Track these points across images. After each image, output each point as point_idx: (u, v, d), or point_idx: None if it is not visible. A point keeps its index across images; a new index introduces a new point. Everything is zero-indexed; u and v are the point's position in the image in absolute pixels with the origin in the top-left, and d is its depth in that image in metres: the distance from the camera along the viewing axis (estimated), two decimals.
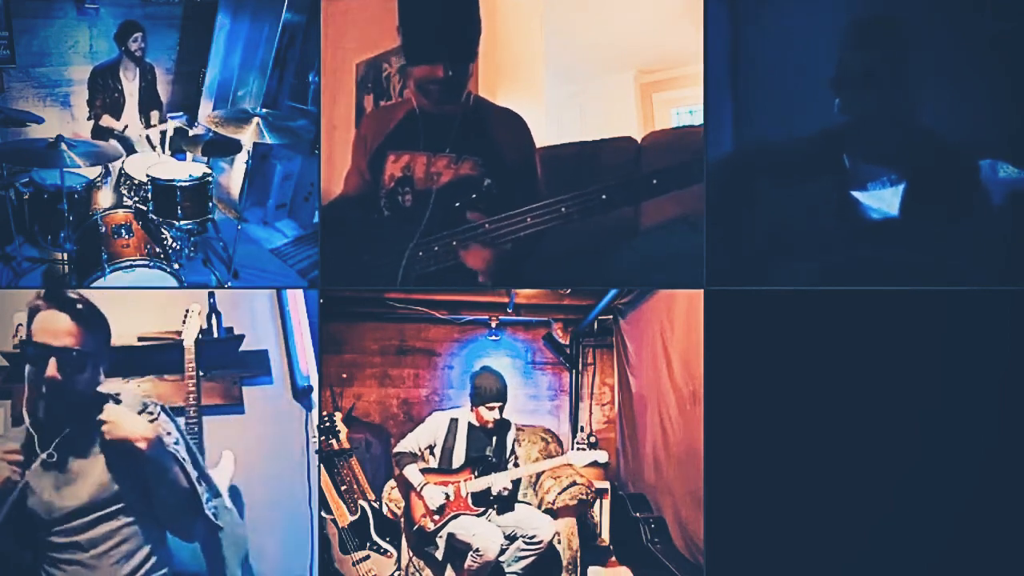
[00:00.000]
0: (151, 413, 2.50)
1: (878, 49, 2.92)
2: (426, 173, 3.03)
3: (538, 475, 3.69)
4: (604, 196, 2.82)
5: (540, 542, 3.29)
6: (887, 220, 2.94)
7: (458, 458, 3.45)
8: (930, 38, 2.95)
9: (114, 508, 2.40)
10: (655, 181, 2.83)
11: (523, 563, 3.31)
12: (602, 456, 3.42)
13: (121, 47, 3.79)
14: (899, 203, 2.93)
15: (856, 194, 2.96)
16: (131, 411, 2.44)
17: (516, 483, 3.44)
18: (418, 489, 3.38)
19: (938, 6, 3.00)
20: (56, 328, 2.38)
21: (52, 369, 2.36)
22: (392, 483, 3.61)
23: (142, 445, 2.37)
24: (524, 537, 3.31)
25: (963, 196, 2.95)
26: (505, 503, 3.40)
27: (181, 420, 2.77)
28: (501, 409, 3.46)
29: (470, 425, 3.48)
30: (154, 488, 2.42)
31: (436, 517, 3.35)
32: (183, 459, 2.47)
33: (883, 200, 2.95)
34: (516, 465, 3.52)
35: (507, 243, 2.92)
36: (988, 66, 2.99)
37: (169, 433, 2.48)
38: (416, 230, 3.00)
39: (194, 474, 2.47)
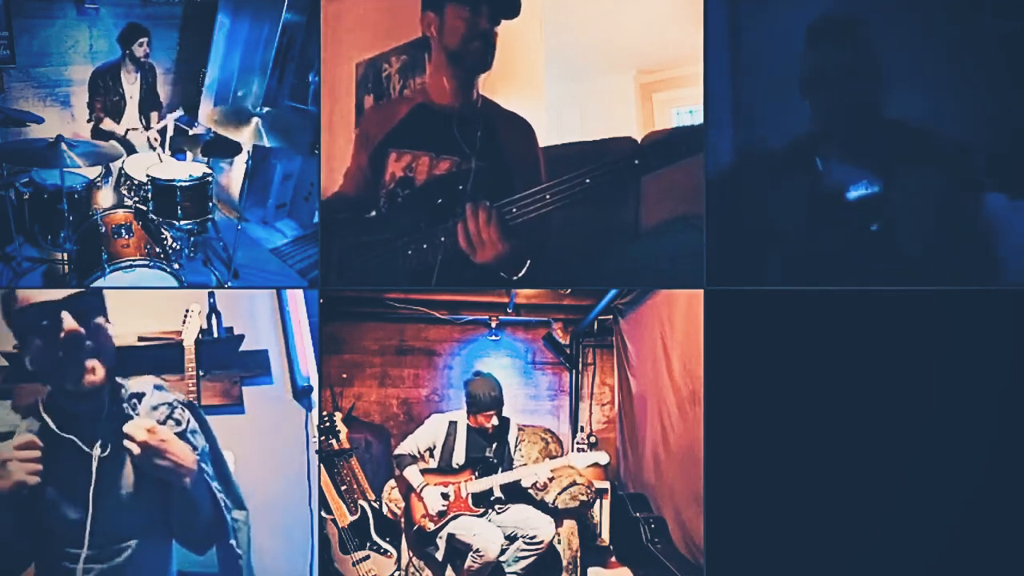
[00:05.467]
0: (179, 421, 2.33)
1: (835, 50, 2.93)
2: (428, 175, 3.03)
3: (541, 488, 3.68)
4: (588, 180, 2.83)
5: (540, 542, 3.29)
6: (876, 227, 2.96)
7: (458, 459, 3.45)
8: (913, 39, 2.94)
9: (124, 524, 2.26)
10: (637, 161, 2.83)
11: (523, 563, 3.30)
12: (603, 458, 3.42)
13: (125, 49, 3.79)
14: (878, 210, 2.94)
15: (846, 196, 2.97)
16: (156, 419, 2.28)
17: (516, 484, 3.44)
18: (418, 490, 3.38)
19: (939, 6, 3.00)
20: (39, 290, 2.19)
21: (70, 322, 2.15)
22: (392, 483, 3.61)
23: (187, 480, 2.22)
24: (524, 537, 3.31)
25: (958, 198, 2.95)
26: (511, 492, 3.42)
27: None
28: (499, 414, 3.46)
29: (469, 427, 3.48)
30: (179, 514, 2.29)
31: (436, 519, 3.35)
32: (211, 476, 2.33)
33: (866, 204, 2.95)
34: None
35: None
36: (991, 65, 2.99)
37: (196, 448, 2.33)
38: (420, 222, 3.01)
39: (221, 499, 2.32)
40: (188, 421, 2.37)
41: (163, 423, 2.31)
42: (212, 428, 2.49)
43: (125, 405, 2.32)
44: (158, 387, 2.43)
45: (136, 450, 2.19)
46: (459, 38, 2.94)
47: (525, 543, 3.30)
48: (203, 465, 2.33)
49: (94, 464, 2.22)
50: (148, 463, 2.21)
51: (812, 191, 2.99)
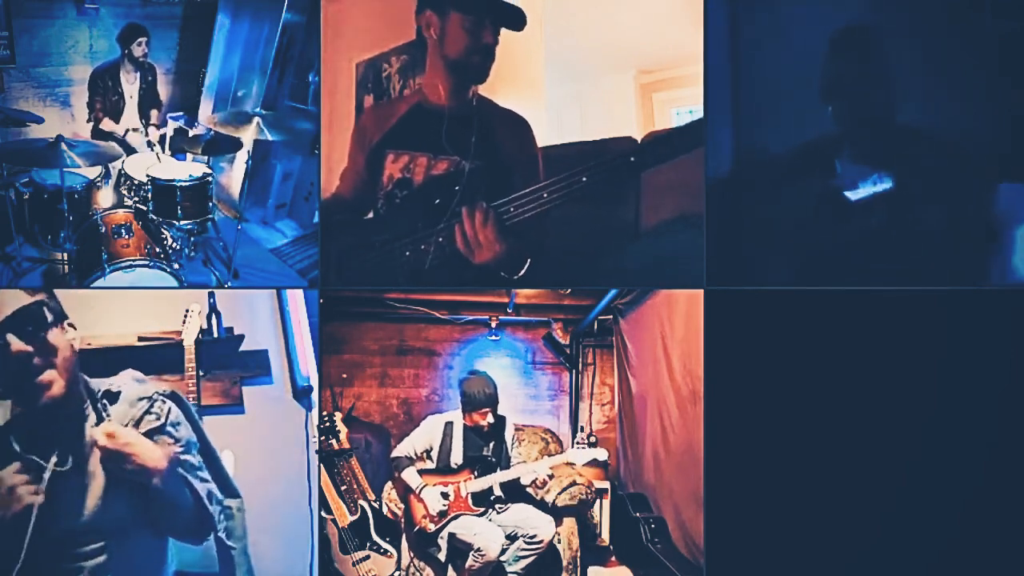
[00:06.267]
0: (158, 416, 2.29)
1: (856, 58, 2.94)
2: (426, 175, 3.03)
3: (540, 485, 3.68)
4: (585, 178, 2.83)
5: (540, 541, 3.29)
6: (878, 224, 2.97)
7: (456, 460, 3.45)
8: (915, 40, 2.96)
9: (102, 532, 2.23)
10: (633, 158, 2.83)
11: (524, 563, 3.30)
12: (602, 454, 3.42)
13: (124, 49, 3.80)
14: (884, 207, 2.95)
15: (848, 194, 2.97)
16: (136, 422, 2.25)
17: (516, 482, 3.44)
18: (417, 491, 3.38)
19: (937, 7, 3.00)
20: None
21: (17, 344, 2.12)
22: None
23: (156, 480, 2.19)
24: (525, 537, 3.31)
25: (971, 198, 2.96)
26: (511, 491, 3.42)
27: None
28: (494, 412, 3.46)
29: (465, 427, 3.48)
30: (157, 512, 2.26)
31: (437, 519, 3.36)
32: (195, 467, 2.31)
33: (872, 200, 2.96)
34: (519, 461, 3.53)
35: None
36: (991, 65, 2.99)
37: (178, 440, 2.30)
38: (418, 223, 3.01)
39: (203, 491, 2.28)
40: (168, 413, 2.33)
41: (140, 420, 2.29)
42: (198, 418, 2.46)
43: (99, 405, 2.29)
44: (139, 380, 2.39)
45: (99, 454, 2.19)
46: (461, 49, 2.91)
47: (525, 542, 3.30)
48: (187, 457, 2.30)
49: (45, 475, 2.19)
50: (112, 467, 2.19)
51: (818, 191, 2.99)
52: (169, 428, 2.33)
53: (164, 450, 2.25)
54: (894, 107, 2.95)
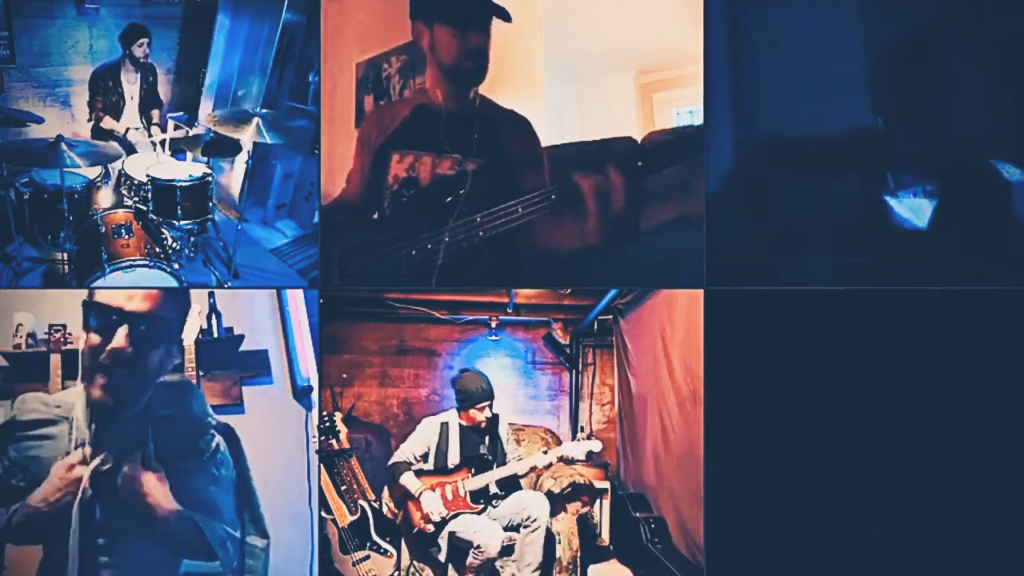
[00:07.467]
0: (203, 450, 2.24)
1: (914, 70, 2.95)
2: (431, 174, 3.04)
3: (537, 476, 3.69)
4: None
5: (536, 520, 3.29)
6: (915, 230, 2.96)
7: (453, 460, 3.46)
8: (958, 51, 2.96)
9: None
10: (640, 163, 2.85)
11: (534, 550, 3.28)
12: (596, 445, 3.43)
13: (125, 49, 3.80)
14: (930, 216, 2.95)
15: (888, 199, 2.97)
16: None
17: (513, 477, 3.44)
18: (416, 496, 3.39)
19: (936, 8, 3.00)
20: (131, 290, 2.10)
21: (121, 339, 2.07)
22: None
23: (161, 528, 2.18)
24: (524, 523, 3.30)
25: (993, 209, 2.97)
26: (508, 487, 3.43)
27: None
28: (490, 407, 3.46)
29: (461, 426, 3.49)
30: (165, 543, 2.23)
31: (436, 520, 3.36)
32: (220, 508, 2.27)
33: (914, 210, 2.96)
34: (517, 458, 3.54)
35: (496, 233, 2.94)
36: (990, 66, 2.99)
37: (217, 479, 2.25)
38: (423, 222, 3.01)
39: (218, 537, 2.24)
40: (215, 451, 2.28)
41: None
42: (245, 453, 2.38)
43: (148, 430, 2.24)
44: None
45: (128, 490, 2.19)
46: (452, 57, 2.95)
47: (524, 528, 3.30)
48: (225, 498, 2.28)
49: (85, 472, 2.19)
50: (125, 498, 2.19)
51: (844, 190, 2.99)
52: (213, 469, 2.29)
53: (172, 504, 2.22)
54: (946, 120, 2.96)
